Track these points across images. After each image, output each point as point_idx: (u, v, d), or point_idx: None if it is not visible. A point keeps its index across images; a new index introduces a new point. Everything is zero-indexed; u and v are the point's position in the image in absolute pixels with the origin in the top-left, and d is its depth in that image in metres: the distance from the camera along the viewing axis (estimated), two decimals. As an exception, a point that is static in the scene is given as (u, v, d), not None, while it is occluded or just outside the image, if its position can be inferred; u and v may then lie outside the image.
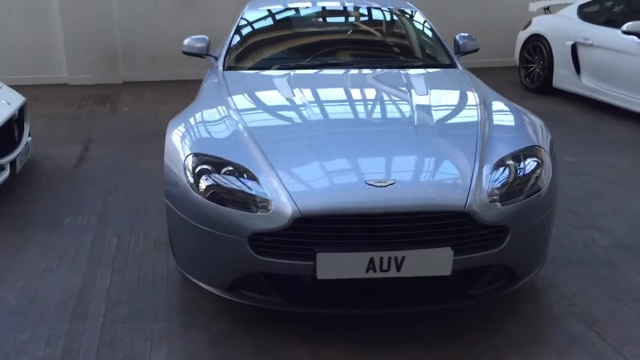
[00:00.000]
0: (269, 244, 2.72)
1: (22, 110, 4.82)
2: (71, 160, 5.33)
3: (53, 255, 3.66)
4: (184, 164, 2.97)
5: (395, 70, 4.18)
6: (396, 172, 2.89)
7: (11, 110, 4.55)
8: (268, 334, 2.92)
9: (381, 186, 2.73)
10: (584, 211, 4.28)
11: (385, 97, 3.84)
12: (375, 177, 2.78)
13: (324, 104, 3.62)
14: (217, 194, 2.82)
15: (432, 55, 4.61)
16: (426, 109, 3.45)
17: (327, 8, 5.08)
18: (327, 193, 2.76)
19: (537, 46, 7.71)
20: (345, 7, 5.01)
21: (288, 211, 2.66)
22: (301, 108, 3.44)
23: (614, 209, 4.33)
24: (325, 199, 2.70)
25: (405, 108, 3.52)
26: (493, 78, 6.15)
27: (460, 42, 4.75)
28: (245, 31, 4.73)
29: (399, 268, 2.66)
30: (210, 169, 2.90)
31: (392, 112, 3.65)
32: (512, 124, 3.45)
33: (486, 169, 2.89)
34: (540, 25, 7.77)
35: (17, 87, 5.33)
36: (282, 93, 3.72)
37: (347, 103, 3.80)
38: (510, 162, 2.97)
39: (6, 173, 4.39)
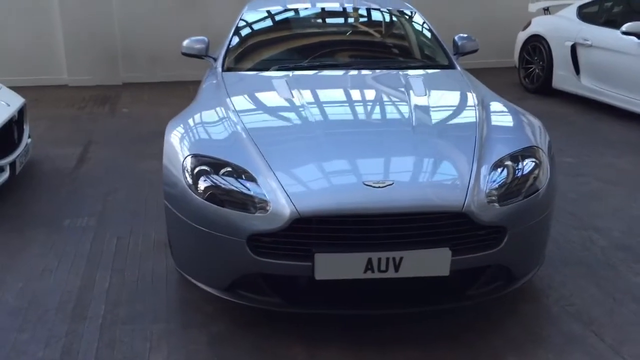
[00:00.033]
0: (268, 244, 2.73)
1: (21, 111, 4.83)
2: (71, 162, 5.34)
3: (52, 256, 3.67)
4: (183, 165, 2.98)
5: (393, 71, 4.18)
6: (394, 173, 2.89)
7: (10, 112, 4.56)
8: (267, 335, 2.92)
9: (379, 187, 2.73)
10: (583, 212, 4.28)
11: (384, 98, 3.85)
12: (373, 178, 2.78)
13: (323, 105, 3.62)
14: (215, 194, 2.83)
15: (430, 56, 4.61)
16: (424, 109, 3.45)
17: (326, 9, 5.08)
18: (325, 194, 2.76)
19: (537, 47, 7.70)
20: (344, 8, 5.01)
21: (286, 212, 2.66)
22: (300, 109, 3.45)
23: (613, 210, 4.33)
24: (323, 200, 2.71)
25: (404, 109, 3.52)
26: (492, 79, 6.15)
27: (460, 43, 4.75)
28: (244, 32, 4.73)
29: (397, 268, 2.66)
30: (208, 170, 2.91)
31: (390, 112, 3.65)
32: (511, 124, 3.46)
33: (484, 170, 2.90)
34: (539, 25, 7.76)
35: (18, 89, 5.35)
36: (280, 94, 3.72)
37: (346, 104, 3.80)
38: (509, 162, 2.98)
39: (6, 174, 4.40)
